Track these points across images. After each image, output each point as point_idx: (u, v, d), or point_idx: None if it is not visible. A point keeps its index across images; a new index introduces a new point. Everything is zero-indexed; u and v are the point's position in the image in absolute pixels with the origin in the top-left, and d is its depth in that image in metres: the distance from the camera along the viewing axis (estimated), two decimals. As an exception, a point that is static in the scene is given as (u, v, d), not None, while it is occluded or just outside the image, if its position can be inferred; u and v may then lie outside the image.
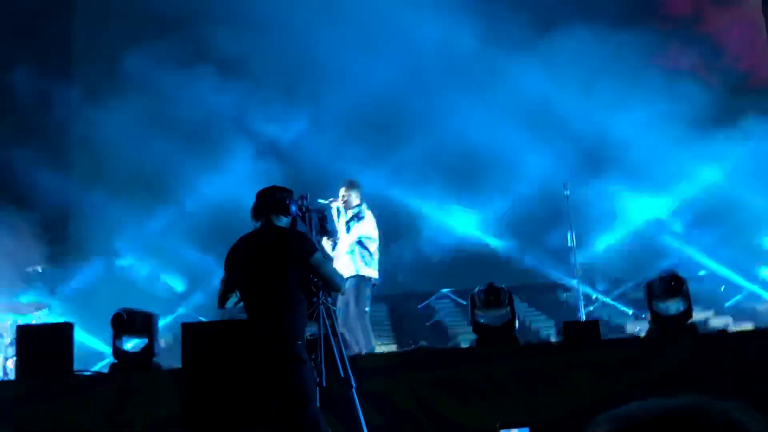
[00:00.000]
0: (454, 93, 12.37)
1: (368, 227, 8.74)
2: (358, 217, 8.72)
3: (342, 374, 5.65)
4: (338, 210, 8.63)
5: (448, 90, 12.43)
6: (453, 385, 6.59)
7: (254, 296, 5.07)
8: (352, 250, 8.71)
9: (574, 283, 9.28)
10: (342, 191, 8.79)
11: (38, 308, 10.36)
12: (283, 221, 5.27)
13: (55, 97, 12.88)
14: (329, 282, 5.32)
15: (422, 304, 13.12)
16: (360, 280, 8.63)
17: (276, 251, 5.09)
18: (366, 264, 8.72)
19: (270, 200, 5.24)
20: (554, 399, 6.45)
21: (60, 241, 12.80)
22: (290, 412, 4.90)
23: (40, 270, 10.65)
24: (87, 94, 13.13)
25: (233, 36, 12.38)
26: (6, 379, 8.43)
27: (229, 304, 5.27)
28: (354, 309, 8.45)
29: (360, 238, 8.69)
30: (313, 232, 5.74)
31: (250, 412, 4.99)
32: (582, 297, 8.90)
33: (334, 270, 5.85)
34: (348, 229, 8.68)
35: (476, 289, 7.29)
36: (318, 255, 5.19)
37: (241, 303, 5.23)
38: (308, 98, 12.85)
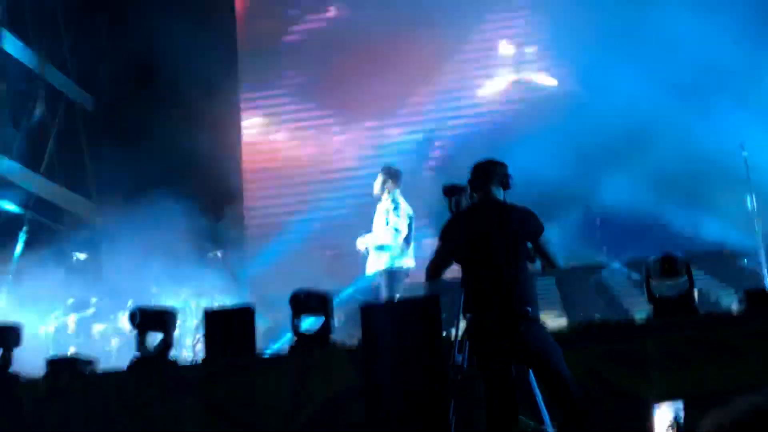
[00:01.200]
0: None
1: (403, 219, 8.68)
2: (395, 207, 8.68)
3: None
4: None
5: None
6: (629, 357, 6.42)
7: (485, 268, 5.14)
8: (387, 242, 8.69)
9: (757, 249, 8.80)
10: (380, 177, 8.74)
11: (219, 292, 10.98)
12: (501, 194, 5.33)
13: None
14: (552, 260, 5.34)
15: (592, 277, 12.80)
16: (393, 272, 8.65)
17: (510, 225, 5.18)
18: (400, 255, 8.71)
19: (492, 172, 5.32)
20: (736, 371, 6.16)
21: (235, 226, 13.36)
22: (538, 371, 5.02)
23: (219, 255, 11.21)
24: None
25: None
26: (195, 359, 8.99)
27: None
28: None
29: (395, 229, 8.66)
30: None
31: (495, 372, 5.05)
32: (766, 264, 8.45)
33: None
34: (387, 222, 8.66)
35: (651, 259, 7.06)
36: (546, 233, 5.28)
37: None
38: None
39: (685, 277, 6.97)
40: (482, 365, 5.14)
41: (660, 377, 6.30)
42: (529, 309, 5.07)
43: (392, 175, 8.91)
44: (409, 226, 8.80)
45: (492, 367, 5.09)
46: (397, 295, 8.50)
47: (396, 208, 8.72)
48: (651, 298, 7.00)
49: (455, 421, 5.48)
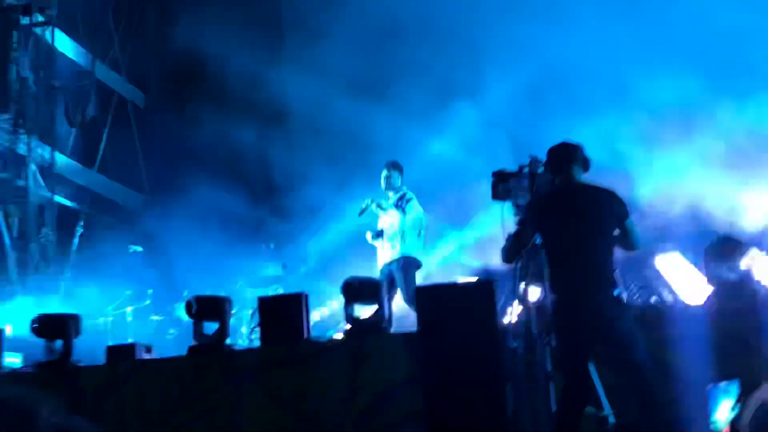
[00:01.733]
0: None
1: (418, 208, 8.73)
2: (405, 198, 8.66)
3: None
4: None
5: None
6: (683, 341, 6.30)
7: (575, 251, 5.13)
8: (402, 232, 8.65)
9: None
10: (385, 172, 8.80)
11: (273, 281, 11.08)
12: (581, 176, 5.30)
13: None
14: (635, 244, 5.32)
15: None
16: (408, 262, 8.69)
17: (600, 207, 5.18)
18: (415, 247, 8.66)
19: (573, 155, 5.32)
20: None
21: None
22: (621, 356, 5.00)
23: (272, 247, 11.31)
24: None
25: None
26: (251, 346, 9.08)
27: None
28: (406, 294, 8.43)
29: (413, 220, 8.73)
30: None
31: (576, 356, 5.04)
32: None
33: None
34: (404, 211, 8.64)
35: (710, 241, 6.94)
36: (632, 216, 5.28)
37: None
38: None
39: (745, 260, 6.85)
40: (563, 347, 5.12)
41: (720, 362, 6.19)
42: (619, 292, 5.08)
43: (398, 168, 8.99)
44: (421, 221, 8.89)
45: (573, 349, 5.07)
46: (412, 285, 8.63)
47: (406, 197, 8.80)
48: (710, 280, 6.89)
49: (512, 408, 5.48)
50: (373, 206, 8.95)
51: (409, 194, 8.96)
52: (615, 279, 5.13)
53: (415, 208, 8.92)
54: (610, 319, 4.99)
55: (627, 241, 5.27)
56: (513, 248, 5.38)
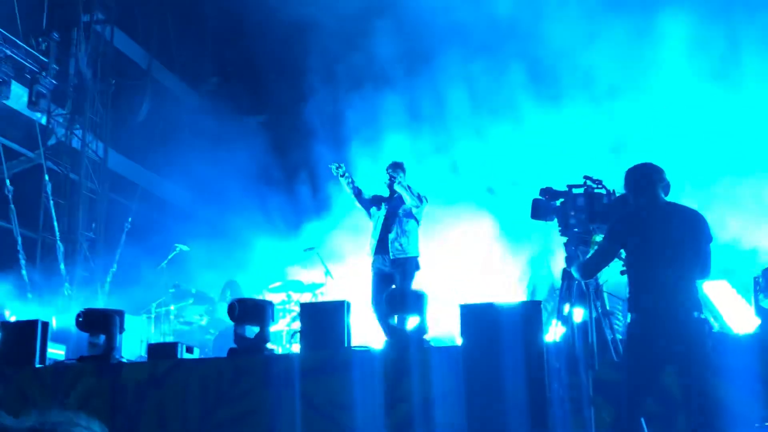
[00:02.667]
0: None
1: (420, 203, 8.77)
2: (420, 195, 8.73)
3: (615, 357, 5.53)
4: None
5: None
6: (734, 373, 6.15)
7: (663, 267, 5.07)
8: (416, 227, 8.73)
9: None
10: (390, 171, 8.83)
11: (315, 287, 11.09)
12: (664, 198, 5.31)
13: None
14: (708, 270, 5.26)
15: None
16: (414, 264, 8.67)
17: (692, 227, 5.18)
18: (417, 244, 8.80)
19: (658, 176, 5.28)
20: None
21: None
22: (697, 381, 4.95)
23: (315, 250, 11.31)
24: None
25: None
26: (291, 352, 9.12)
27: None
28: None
29: (419, 217, 8.76)
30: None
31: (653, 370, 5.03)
32: None
33: None
34: (423, 201, 8.75)
35: (761, 271, 6.79)
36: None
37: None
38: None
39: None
40: (634, 364, 5.06)
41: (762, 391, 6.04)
42: (703, 316, 5.03)
43: (402, 167, 8.99)
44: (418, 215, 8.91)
45: (644, 367, 5.00)
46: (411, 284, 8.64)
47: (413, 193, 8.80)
48: (759, 311, 6.75)
49: (552, 429, 5.41)
50: (396, 181, 8.79)
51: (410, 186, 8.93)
52: (700, 302, 5.09)
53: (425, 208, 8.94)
54: (694, 343, 4.92)
55: (705, 266, 5.20)
56: (596, 265, 5.33)
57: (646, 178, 5.27)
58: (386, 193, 9.01)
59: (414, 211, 8.82)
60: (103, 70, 14.38)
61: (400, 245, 8.73)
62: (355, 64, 13.04)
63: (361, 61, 12.98)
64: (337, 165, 8.91)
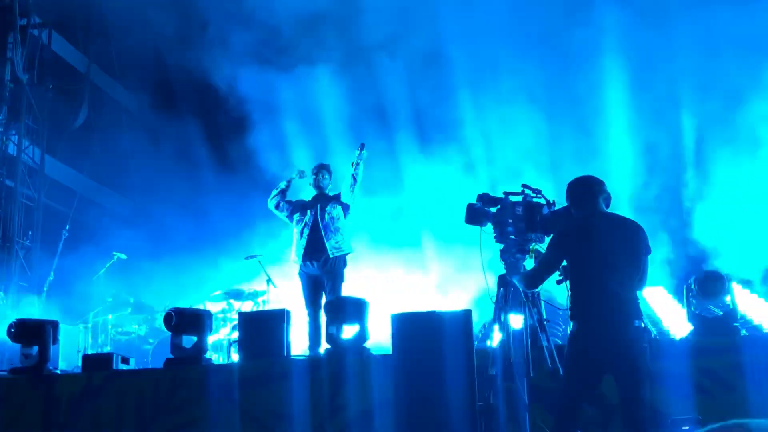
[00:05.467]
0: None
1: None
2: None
3: (550, 365, 5.58)
4: None
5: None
6: (667, 377, 6.27)
7: (604, 277, 5.11)
8: (347, 224, 8.86)
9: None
10: (317, 173, 8.91)
11: (256, 295, 10.99)
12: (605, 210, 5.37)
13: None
14: (645, 282, 5.34)
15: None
16: (344, 258, 8.80)
17: (633, 239, 5.25)
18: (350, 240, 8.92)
19: (598, 188, 5.36)
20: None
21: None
22: (630, 391, 5.01)
23: (258, 259, 11.20)
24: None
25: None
26: (230, 361, 9.02)
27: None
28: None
29: (350, 213, 8.87)
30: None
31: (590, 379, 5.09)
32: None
33: None
34: (354, 200, 8.81)
35: (692, 277, 6.92)
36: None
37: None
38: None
39: (728, 297, 6.84)
40: (574, 372, 5.12)
41: (700, 399, 6.16)
42: (643, 324, 5.12)
43: (329, 169, 9.07)
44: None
45: (584, 375, 5.08)
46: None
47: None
48: (692, 317, 6.88)
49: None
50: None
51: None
52: (641, 311, 5.17)
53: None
54: (634, 352, 5.01)
55: (642, 277, 5.28)
56: (540, 275, 5.38)
57: (587, 190, 5.35)
58: (308, 198, 9.01)
59: (346, 200, 8.80)
60: (40, 74, 14.08)
61: (336, 243, 8.70)
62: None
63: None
64: (299, 174, 8.96)
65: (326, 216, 8.74)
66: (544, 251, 5.59)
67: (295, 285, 9.09)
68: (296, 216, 8.90)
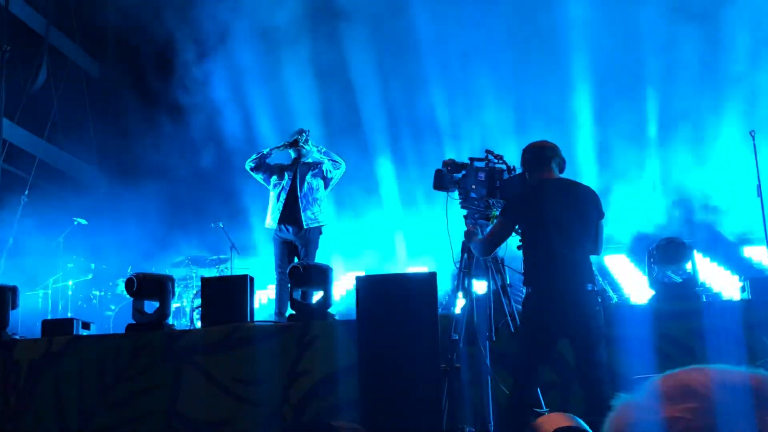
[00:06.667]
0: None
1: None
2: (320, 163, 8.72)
3: (513, 329, 5.62)
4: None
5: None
6: (627, 342, 6.35)
7: (557, 242, 5.13)
8: (325, 194, 8.84)
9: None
10: (304, 139, 8.73)
11: (219, 262, 10.92)
12: (558, 175, 5.37)
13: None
14: (600, 247, 5.39)
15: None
16: (320, 229, 8.80)
17: (585, 203, 5.28)
18: (328, 211, 9.03)
19: (551, 153, 5.37)
20: (737, 360, 6.09)
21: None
22: (585, 354, 5.08)
23: (222, 226, 11.13)
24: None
25: None
26: (192, 327, 8.97)
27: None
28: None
29: (333, 182, 8.84)
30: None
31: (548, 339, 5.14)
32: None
33: None
34: (336, 165, 8.71)
35: (654, 244, 6.99)
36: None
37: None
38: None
39: (689, 264, 6.92)
40: (530, 337, 5.17)
41: (661, 364, 6.25)
42: (596, 288, 5.16)
43: (308, 134, 8.90)
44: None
45: (540, 339, 5.13)
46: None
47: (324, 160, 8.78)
48: (653, 283, 6.95)
49: (448, 399, 5.47)
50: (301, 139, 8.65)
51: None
52: (594, 274, 5.19)
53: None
54: (587, 315, 5.05)
55: (596, 242, 5.31)
56: (494, 241, 5.39)
57: (540, 155, 5.36)
58: (287, 161, 8.88)
59: (329, 174, 8.69)
60: (-4, 36, 13.71)
61: (313, 214, 8.62)
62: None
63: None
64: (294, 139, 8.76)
65: (305, 186, 8.63)
66: None
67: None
68: (273, 179, 8.76)
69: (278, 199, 8.66)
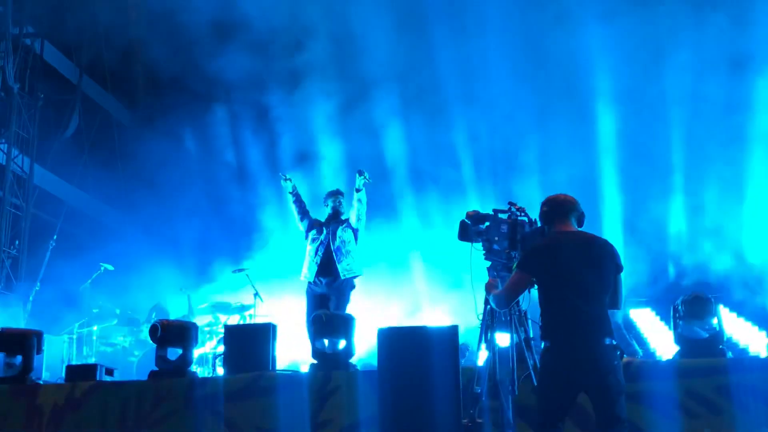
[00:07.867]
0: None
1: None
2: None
3: (535, 383, 5.57)
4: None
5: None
6: (652, 399, 6.28)
7: (576, 296, 5.09)
8: (356, 247, 8.98)
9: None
10: (335, 198, 9.08)
11: (243, 308, 10.94)
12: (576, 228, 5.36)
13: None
14: (620, 301, 5.32)
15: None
16: (353, 281, 8.95)
17: (603, 258, 5.21)
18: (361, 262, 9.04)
19: (571, 206, 5.34)
20: (765, 418, 6.00)
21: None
22: (605, 410, 4.97)
23: (246, 273, 11.17)
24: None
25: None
26: (215, 374, 8.97)
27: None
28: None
29: (359, 235, 8.99)
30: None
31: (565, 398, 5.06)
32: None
33: None
34: (359, 225, 8.94)
35: (679, 299, 6.94)
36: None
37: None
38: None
39: (715, 319, 6.85)
40: (549, 391, 5.09)
41: (686, 421, 6.17)
42: (614, 342, 5.09)
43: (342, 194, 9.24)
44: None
45: (559, 394, 5.04)
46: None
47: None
48: (678, 338, 6.89)
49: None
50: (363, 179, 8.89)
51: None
52: (612, 329, 5.14)
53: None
54: (606, 370, 4.97)
55: (615, 296, 5.27)
56: (511, 295, 5.36)
57: (559, 209, 5.35)
58: (323, 218, 9.12)
59: (355, 224, 8.92)
60: (31, 83, 14.07)
61: (348, 265, 8.84)
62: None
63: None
64: (284, 177, 9.03)
65: (338, 239, 8.86)
66: None
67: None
68: (312, 233, 9.05)
69: (316, 253, 8.88)
